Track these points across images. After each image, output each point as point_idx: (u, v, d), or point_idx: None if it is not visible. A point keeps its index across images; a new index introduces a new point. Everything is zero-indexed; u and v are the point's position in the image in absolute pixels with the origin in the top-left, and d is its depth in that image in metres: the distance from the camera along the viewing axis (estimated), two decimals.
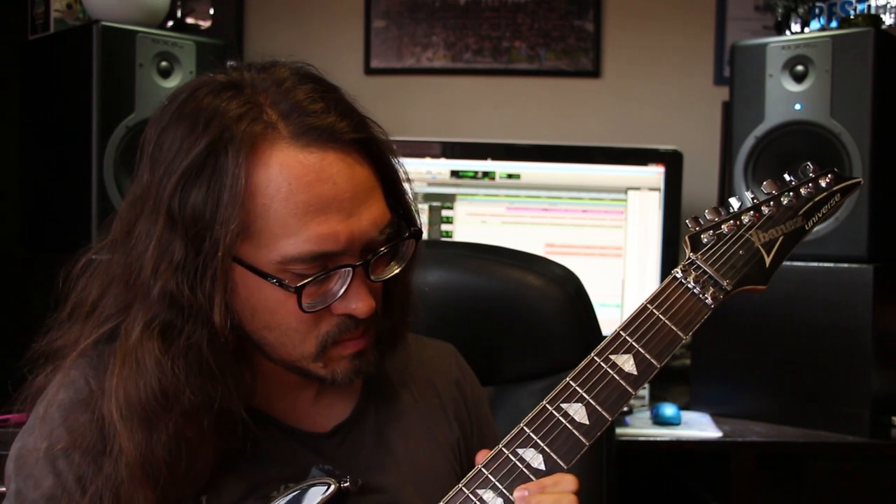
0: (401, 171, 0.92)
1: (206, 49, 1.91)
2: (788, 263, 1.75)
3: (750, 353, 1.81)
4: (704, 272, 0.90)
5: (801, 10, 1.89)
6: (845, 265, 1.72)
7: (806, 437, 1.73)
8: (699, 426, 1.76)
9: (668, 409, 1.77)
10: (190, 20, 2.15)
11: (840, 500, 1.75)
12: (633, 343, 0.86)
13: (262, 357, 0.89)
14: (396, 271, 0.89)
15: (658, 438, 1.71)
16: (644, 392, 1.86)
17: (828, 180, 0.97)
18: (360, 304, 0.84)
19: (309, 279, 0.81)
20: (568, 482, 0.82)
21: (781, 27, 1.93)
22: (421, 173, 2.09)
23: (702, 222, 0.94)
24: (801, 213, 0.95)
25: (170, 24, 2.07)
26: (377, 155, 0.88)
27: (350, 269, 0.83)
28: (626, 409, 1.79)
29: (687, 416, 1.81)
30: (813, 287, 1.74)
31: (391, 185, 0.90)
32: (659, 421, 1.76)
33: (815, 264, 1.74)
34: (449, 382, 1.05)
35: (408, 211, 0.93)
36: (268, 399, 0.93)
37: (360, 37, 2.48)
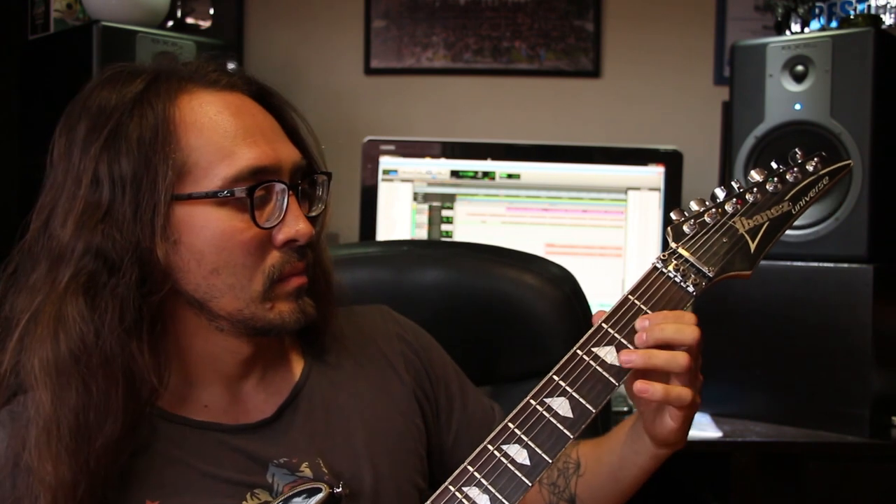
0: (300, 123, 0.96)
1: (206, 49, 1.91)
2: (788, 263, 1.78)
3: (750, 353, 1.81)
4: (686, 260, 0.90)
5: (801, 10, 1.89)
6: (845, 265, 1.72)
7: (806, 437, 1.72)
8: (699, 426, 1.76)
9: None
10: (190, 20, 2.16)
11: (840, 500, 1.75)
12: (615, 334, 0.86)
13: (205, 335, 0.89)
14: (321, 209, 0.95)
15: None
16: None
17: (814, 164, 0.96)
18: (302, 226, 0.88)
19: (254, 186, 0.85)
20: (689, 316, 0.86)
21: (781, 27, 1.93)
22: (421, 173, 2.09)
23: (686, 214, 0.94)
24: (787, 198, 0.94)
25: (170, 24, 2.07)
26: (276, 107, 0.94)
27: (285, 186, 0.87)
28: (625, 408, 1.79)
29: None
30: (813, 287, 1.74)
31: (294, 135, 0.95)
32: None
33: (815, 264, 1.74)
34: (390, 339, 1.06)
35: (315, 159, 0.97)
36: (208, 400, 0.92)
37: (360, 37, 2.48)
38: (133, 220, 0.83)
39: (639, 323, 0.86)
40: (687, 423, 0.89)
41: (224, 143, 0.85)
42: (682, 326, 0.85)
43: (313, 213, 0.94)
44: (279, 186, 0.87)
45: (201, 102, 0.87)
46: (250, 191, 0.85)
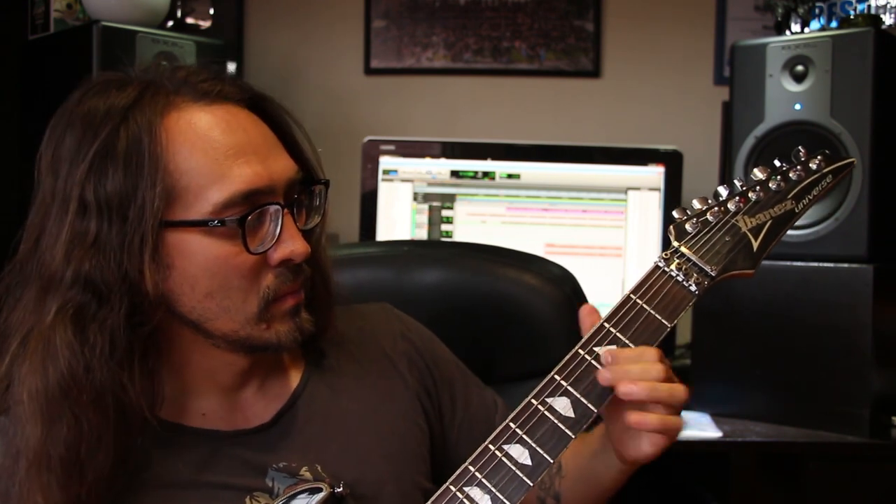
0: (296, 128, 0.94)
1: (206, 49, 1.91)
2: (788, 263, 1.77)
3: (750, 353, 1.81)
4: (688, 259, 0.90)
5: (801, 10, 1.89)
6: (845, 265, 1.71)
7: (806, 437, 1.72)
8: (699, 426, 1.76)
9: None
10: (190, 20, 2.16)
11: (840, 500, 1.75)
12: (618, 334, 0.86)
13: (202, 350, 0.88)
14: (318, 220, 0.92)
15: None
16: None
17: (817, 162, 0.96)
18: (297, 245, 0.86)
19: (246, 213, 0.83)
20: (651, 353, 0.85)
21: (781, 27, 1.93)
22: (421, 173, 2.09)
23: (688, 212, 0.93)
24: (790, 196, 0.94)
25: (170, 24, 2.07)
26: (270, 114, 0.91)
27: (279, 207, 0.85)
28: None
29: (687, 416, 1.80)
30: (813, 287, 1.74)
31: (290, 142, 0.92)
32: None
33: (815, 264, 1.74)
34: (394, 338, 1.05)
35: (312, 166, 0.94)
36: (206, 409, 0.92)
37: (360, 37, 2.48)
38: (121, 250, 0.80)
39: (603, 357, 0.85)
40: (665, 449, 0.88)
41: (214, 166, 0.82)
42: (647, 366, 0.84)
43: (310, 225, 0.91)
44: (273, 208, 0.85)
45: (190, 120, 0.84)
46: (241, 221, 0.82)
